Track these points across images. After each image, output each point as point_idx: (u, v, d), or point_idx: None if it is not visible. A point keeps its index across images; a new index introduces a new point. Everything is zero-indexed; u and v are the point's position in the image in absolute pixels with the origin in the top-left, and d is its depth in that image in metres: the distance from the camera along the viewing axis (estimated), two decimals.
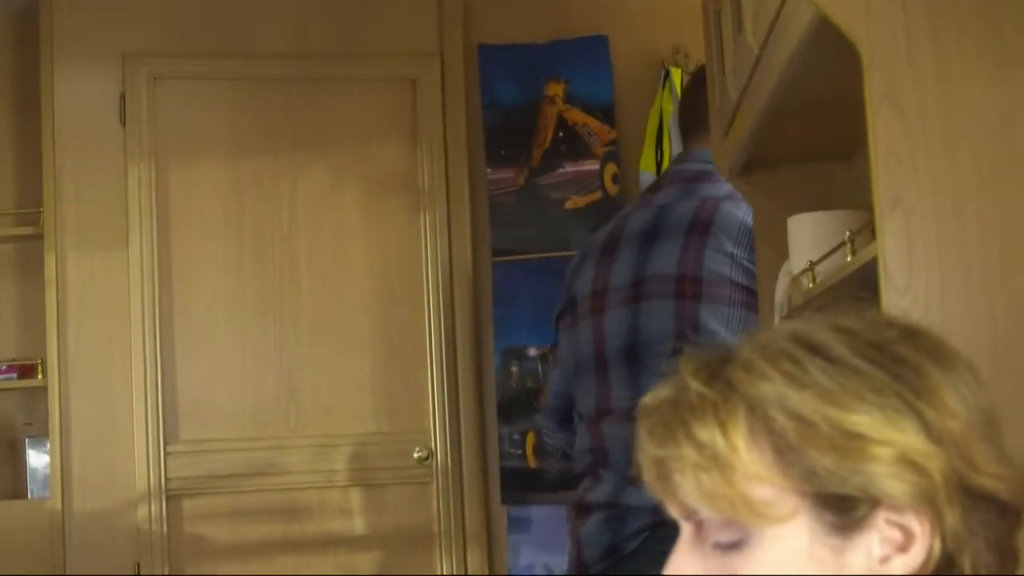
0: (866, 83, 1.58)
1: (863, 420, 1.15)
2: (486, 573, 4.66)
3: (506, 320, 4.69)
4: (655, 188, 3.27)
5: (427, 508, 4.67)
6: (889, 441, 1.15)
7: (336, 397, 4.65)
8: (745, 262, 2.95)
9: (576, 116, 4.73)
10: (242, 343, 4.61)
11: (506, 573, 4.65)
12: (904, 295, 1.54)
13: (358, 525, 4.64)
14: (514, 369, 4.67)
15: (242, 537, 4.57)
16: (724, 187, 3.03)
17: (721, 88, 2.74)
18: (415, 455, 4.65)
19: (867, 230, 2.23)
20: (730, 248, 2.95)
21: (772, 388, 1.17)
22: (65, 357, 4.48)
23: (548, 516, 4.60)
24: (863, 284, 1.92)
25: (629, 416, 2.95)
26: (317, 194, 4.71)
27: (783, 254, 2.66)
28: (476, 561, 4.65)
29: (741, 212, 2.99)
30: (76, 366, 4.48)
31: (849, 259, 1.95)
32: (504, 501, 4.65)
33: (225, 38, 4.69)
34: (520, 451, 4.61)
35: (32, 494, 4.60)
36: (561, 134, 4.73)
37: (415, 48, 4.80)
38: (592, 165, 4.69)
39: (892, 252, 1.56)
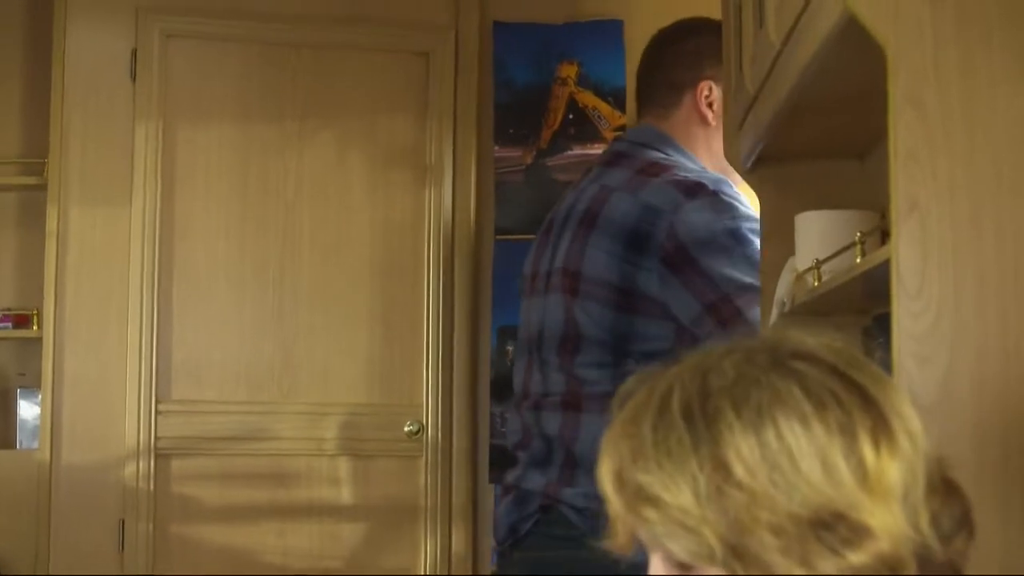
0: (890, 84, 1.57)
1: (646, 480, 1.20)
2: (470, 550, 4.66)
3: (504, 299, 4.68)
4: (590, 168, 3.22)
5: (415, 482, 4.67)
6: (659, 502, 1.19)
7: (330, 366, 4.65)
8: (622, 262, 2.84)
9: (587, 99, 4.72)
10: (240, 307, 4.61)
11: (490, 551, 4.65)
12: (916, 300, 1.53)
13: (345, 495, 4.64)
14: (510, 348, 4.67)
15: (228, 499, 4.57)
16: (624, 173, 2.93)
17: (738, 81, 2.73)
18: (406, 428, 4.65)
19: (876, 232, 2.22)
20: (607, 245, 2.85)
21: (618, 432, 1.26)
22: (62, 309, 4.47)
23: None
24: (870, 286, 1.92)
25: (538, 404, 2.97)
26: (323, 162, 4.70)
27: (788, 250, 2.66)
28: (461, 537, 4.65)
29: (627, 204, 2.87)
30: (72, 319, 4.48)
31: (859, 260, 1.94)
32: (492, 479, 4.65)
33: None
34: None
35: (21, 445, 4.60)
36: (571, 116, 4.72)
37: (430, 21, 4.79)
38: (600, 149, 4.67)
39: (906, 256, 1.55)
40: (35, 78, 4.64)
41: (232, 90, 4.68)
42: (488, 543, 4.66)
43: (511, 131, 4.75)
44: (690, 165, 2.98)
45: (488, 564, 4.65)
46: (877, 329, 2.39)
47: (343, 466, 4.64)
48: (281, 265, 4.65)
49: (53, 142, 4.50)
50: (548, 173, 4.71)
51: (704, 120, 3.05)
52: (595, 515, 2.74)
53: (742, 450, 1.16)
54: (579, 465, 2.82)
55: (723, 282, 2.76)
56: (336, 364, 4.65)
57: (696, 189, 2.84)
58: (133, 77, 4.56)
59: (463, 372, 4.71)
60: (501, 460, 4.61)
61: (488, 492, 4.68)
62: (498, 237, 4.73)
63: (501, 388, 4.65)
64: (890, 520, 1.15)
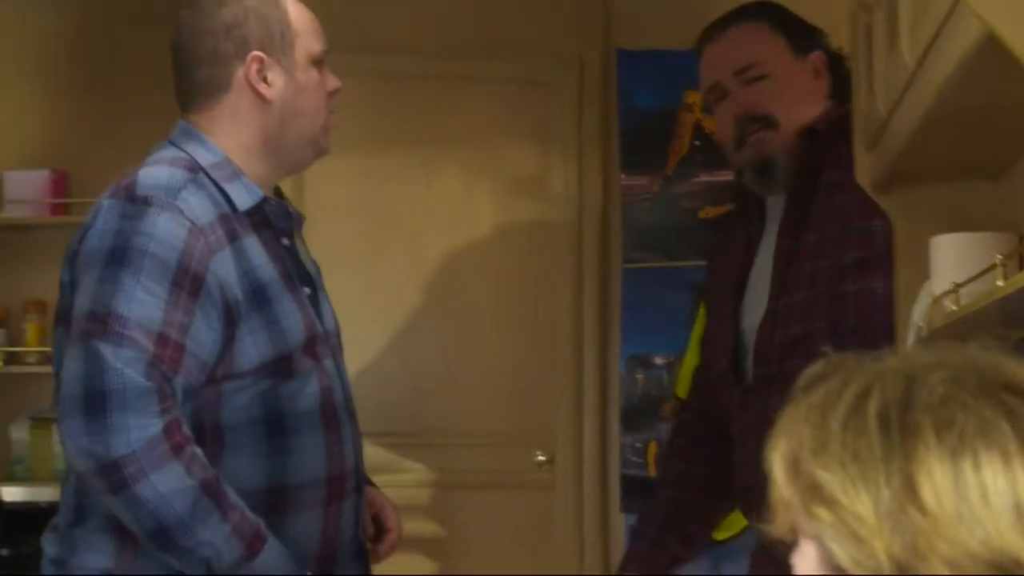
0: None
1: (825, 477, 1.17)
2: None
3: (633, 327, 4.66)
4: None
5: (546, 512, 4.66)
6: (835, 504, 1.15)
7: (459, 396, 4.66)
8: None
9: (713, 125, 4.68)
10: (367, 338, 4.62)
11: None
12: None
13: (474, 525, 4.63)
14: (639, 377, 4.65)
15: None
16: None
17: (869, 102, 2.69)
18: (536, 459, 4.64)
19: (1016, 254, 2.18)
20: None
21: (801, 417, 1.22)
22: None
23: None
24: (1010, 310, 1.88)
25: None
26: (449, 193, 4.72)
27: (922, 274, 2.61)
28: (592, 568, 4.63)
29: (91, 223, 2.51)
30: None
31: (1000, 283, 1.90)
32: (623, 509, 4.62)
33: (363, 33, 4.71)
34: (641, 460, 4.59)
35: None
36: (698, 143, 4.69)
37: (554, 50, 4.79)
38: (727, 175, 4.64)
39: None
40: (173, 106, 4.70)
41: (357, 122, 4.69)
42: None
43: (637, 159, 4.73)
44: (169, 155, 2.60)
45: None
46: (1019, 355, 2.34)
47: (472, 497, 4.64)
48: (408, 296, 4.67)
49: None
50: (675, 200, 4.68)
51: (262, 99, 2.64)
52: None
53: (935, 474, 1.13)
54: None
55: (80, 298, 2.42)
56: (465, 394, 4.66)
57: (119, 190, 2.49)
58: None
59: (593, 401, 4.69)
60: (632, 490, 4.59)
61: (619, 522, 4.65)
62: (626, 265, 4.71)
63: (631, 417, 4.63)
64: None
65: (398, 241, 4.68)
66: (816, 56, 3.12)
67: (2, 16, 5.05)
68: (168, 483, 2.33)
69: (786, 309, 2.94)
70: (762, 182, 3.10)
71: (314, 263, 2.91)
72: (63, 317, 2.50)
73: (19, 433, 4.87)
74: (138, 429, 2.31)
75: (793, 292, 2.94)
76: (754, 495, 2.98)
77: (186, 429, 2.39)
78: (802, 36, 3.14)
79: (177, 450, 2.34)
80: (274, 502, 2.53)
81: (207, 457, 2.44)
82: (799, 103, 3.08)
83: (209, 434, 2.49)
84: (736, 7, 3.22)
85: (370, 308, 4.64)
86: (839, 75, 3.14)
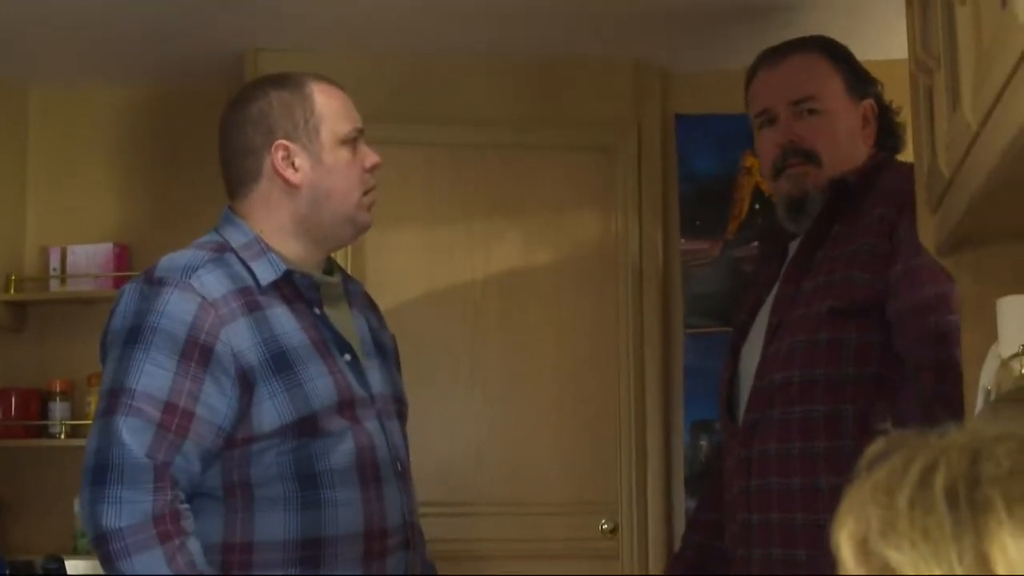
0: None
1: (896, 557, 1.13)
2: None
3: (696, 393, 4.64)
4: None
5: None
6: None
7: (522, 465, 4.64)
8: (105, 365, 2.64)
9: (768, 189, 4.68)
10: (430, 407, 4.60)
11: None
12: None
13: None
14: (703, 443, 4.62)
15: None
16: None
17: (931, 164, 2.68)
18: (601, 527, 4.61)
19: None
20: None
21: (867, 496, 1.18)
22: None
23: None
24: None
25: None
26: (510, 261, 4.72)
27: (990, 337, 2.59)
28: None
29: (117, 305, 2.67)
30: None
31: None
32: None
33: (422, 104, 4.74)
34: None
35: None
36: (757, 206, 4.68)
37: (611, 117, 4.79)
38: None
39: None
40: None
41: (417, 193, 4.72)
42: None
43: (697, 223, 4.72)
44: (204, 240, 2.76)
45: None
46: None
47: (537, 566, 4.60)
48: (470, 364, 4.66)
49: None
50: (736, 264, 4.67)
51: (290, 184, 2.76)
52: None
53: (1008, 549, 1.10)
54: None
55: (105, 378, 2.60)
56: (528, 462, 4.64)
57: (141, 275, 2.67)
58: None
59: (657, 468, 4.66)
60: None
61: None
62: (688, 331, 4.69)
63: (695, 483, 4.59)
64: None
65: (459, 311, 4.68)
66: (868, 104, 3.12)
67: (70, 94, 5.12)
68: (147, 567, 2.43)
69: (773, 355, 2.93)
70: (793, 218, 3.10)
71: (389, 336, 3.10)
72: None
73: None
74: (129, 504, 2.44)
75: (781, 339, 2.92)
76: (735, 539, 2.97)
77: (185, 523, 2.50)
78: (858, 80, 3.14)
79: (164, 538, 2.45)
80: (310, 555, 2.61)
81: (240, 511, 2.58)
82: (845, 147, 3.08)
83: (239, 491, 2.59)
84: (796, 37, 3.22)
85: (431, 377, 4.63)
86: (885, 127, 3.13)
